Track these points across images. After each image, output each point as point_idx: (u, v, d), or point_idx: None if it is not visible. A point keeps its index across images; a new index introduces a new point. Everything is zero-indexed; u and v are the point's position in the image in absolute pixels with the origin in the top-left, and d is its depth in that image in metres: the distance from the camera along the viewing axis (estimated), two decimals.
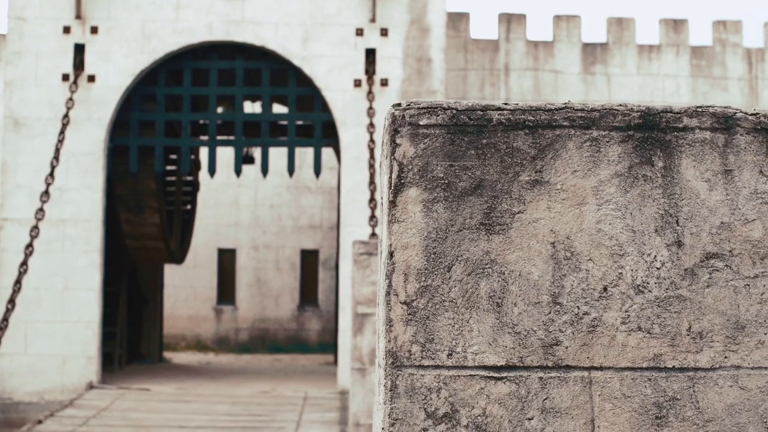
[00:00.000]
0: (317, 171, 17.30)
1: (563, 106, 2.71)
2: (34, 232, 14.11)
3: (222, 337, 27.72)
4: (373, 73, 16.43)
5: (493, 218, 2.67)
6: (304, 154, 25.84)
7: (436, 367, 2.66)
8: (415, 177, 2.68)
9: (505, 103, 2.72)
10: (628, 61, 19.64)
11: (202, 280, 27.78)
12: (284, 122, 17.98)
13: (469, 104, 2.70)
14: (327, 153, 21.93)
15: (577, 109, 2.71)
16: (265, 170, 17.39)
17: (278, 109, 20.90)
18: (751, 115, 2.73)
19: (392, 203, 2.69)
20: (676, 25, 19.89)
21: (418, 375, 2.66)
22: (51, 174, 14.73)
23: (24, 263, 13.75)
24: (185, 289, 27.70)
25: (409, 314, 2.67)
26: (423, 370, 2.66)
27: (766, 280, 2.69)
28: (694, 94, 19.38)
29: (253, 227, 27.76)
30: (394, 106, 2.73)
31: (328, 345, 25.52)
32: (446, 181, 2.68)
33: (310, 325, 27.52)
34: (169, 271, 26.38)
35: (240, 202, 27.67)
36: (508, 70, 19.37)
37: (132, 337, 21.27)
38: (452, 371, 2.66)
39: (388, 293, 2.68)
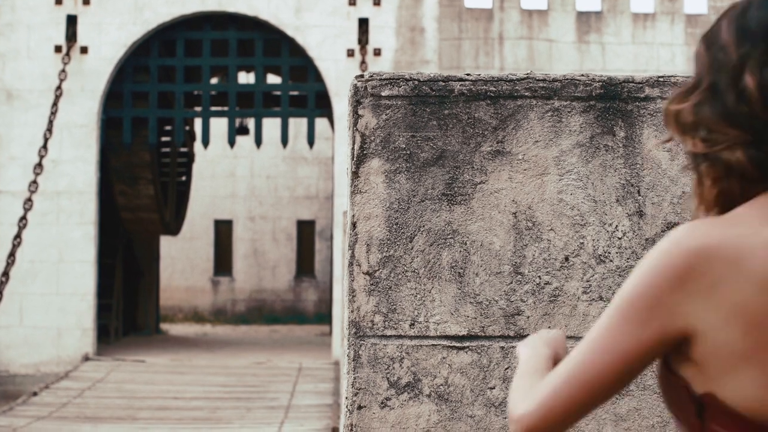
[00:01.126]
0: (311, 141, 17.29)
1: (525, 76, 2.72)
2: (28, 204, 14.13)
3: (219, 308, 27.79)
4: (366, 42, 16.39)
5: (455, 189, 2.68)
6: (300, 125, 25.80)
7: (399, 336, 2.68)
8: (378, 148, 2.69)
9: (467, 74, 2.73)
10: (623, 30, 19.60)
11: (199, 251, 27.82)
12: (278, 93, 17.95)
13: (431, 75, 2.71)
14: (323, 123, 21.93)
15: (538, 80, 2.71)
16: (258, 141, 17.38)
17: (272, 79, 20.87)
18: None
19: (355, 174, 2.71)
20: None
21: (380, 345, 2.68)
22: (44, 146, 14.74)
23: (18, 236, 13.77)
24: (182, 261, 27.74)
25: (372, 285, 2.68)
26: (386, 340, 2.68)
27: None
28: (689, 63, 19.35)
29: (250, 198, 27.77)
30: (356, 77, 2.73)
31: (325, 316, 25.59)
32: (408, 152, 2.69)
33: (306, 295, 27.59)
34: (166, 242, 26.41)
35: (236, 173, 27.67)
36: (503, 39, 19.34)
37: (128, 308, 21.31)
38: (415, 341, 2.68)
39: (351, 264, 2.69)
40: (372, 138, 2.69)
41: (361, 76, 2.72)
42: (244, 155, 27.08)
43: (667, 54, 19.59)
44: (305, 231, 27.45)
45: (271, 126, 23.34)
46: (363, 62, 16.07)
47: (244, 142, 24.68)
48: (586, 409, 1.60)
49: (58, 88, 15.67)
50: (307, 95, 17.16)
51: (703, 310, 1.49)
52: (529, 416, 1.59)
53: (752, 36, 1.57)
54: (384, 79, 2.70)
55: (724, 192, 1.57)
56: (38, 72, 16.25)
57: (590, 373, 1.56)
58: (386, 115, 2.69)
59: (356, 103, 2.70)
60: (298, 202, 27.57)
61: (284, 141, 17.30)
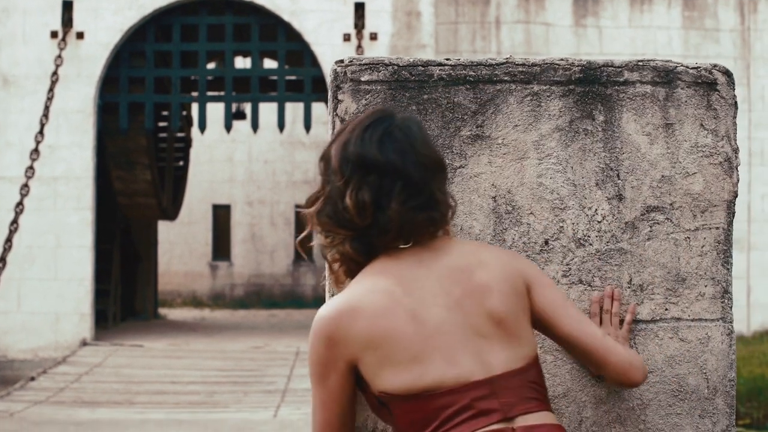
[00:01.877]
0: (307, 126, 17.30)
1: (504, 60, 2.73)
2: (24, 190, 14.13)
3: (218, 293, 27.83)
4: (363, 27, 16.37)
5: None
6: (297, 109, 25.74)
7: None
8: None
9: (447, 59, 2.74)
10: (619, 14, 19.56)
11: (197, 236, 27.84)
12: (274, 78, 17.95)
13: (411, 60, 2.72)
14: (320, 108, 21.90)
15: (518, 64, 2.72)
16: (255, 126, 17.38)
17: (269, 64, 20.85)
18: (692, 68, 2.75)
19: None
20: None
21: None
22: (41, 132, 14.73)
23: (14, 221, 13.78)
24: (180, 246, 27.76)
25: None
26: None
27: (707, 232, 2.72)
28: (686, 47, 19.32)
29: (248, 183, 27.78)
30: (336, 62, 2.74)
31: (324, 300, 25.59)
32: None
33: (305, 280, 27.62)
34: (164, 227, 26.42)
35: (234, 157, 27.67)
36: (499, 23, 19.30)
37: (126, 293, 21.33)
38: None
39: None
40: None
41: (341, 61, 2.73)
42: (242, 140, 27.06)
43: (664, 37, 19.56)
44: (303, 216, 27.43)
45: (269, 111, 23.30)
46: (359, 47, 16.06)
47: (242, 126, 24.65)
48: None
49: (55, 73, 15.66)
50: (303, 80, 17.15)
51: (353, 349, 2.28)
52: None
53: (350, 165, 2.31)
54: (363, 65, 2.71)
55: (347, 271, 2.40)
56: (34, 57, 16.24)
57: (323, 424, 2.35)
58: (366, 100, 2.70)
59: (336, 88, 2.71)
60: (296, 187, 27.57)
61: (281, 126, 17.31)
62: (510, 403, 2.25)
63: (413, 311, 2.28)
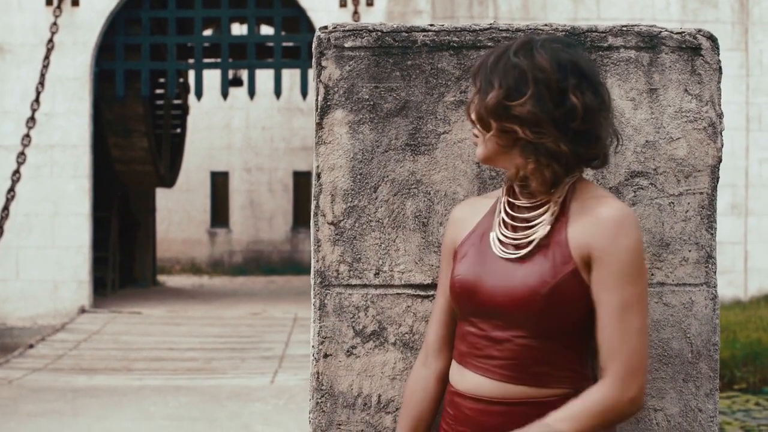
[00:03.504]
0: (304, 92, 17.25)
1: (488, 26, 2.73)
2: (21, 158, 14.10)
3: (216, 260, 27.87)
4: None
5: (419, 139, 2.70)
6: (295, 76, 25.69)
7: (364, 286, 2.71)
8: (341, 99, 2.71)
9: (431, 25, 2.74)
10: None
11: (196, 203, 27.84)
12: (271, 44, 17.89)
13: (394, 26, 2.72)
14: None
15: (501, 30, 2.72)
16: (252, 93, 17.34)
17: (265, 30, 20.78)
18: (676, 33, 2.74)
19: (319, 125, 2.72)
20: None
21: (346, 294, 2.71)
22: (37, 100, 14.68)
23: (11, 189, 13.77)
24: (179, 213, 27.77)
25: (337, 234, 2.71)
26: (351, 289, 2.71)
27: (691, 197, 2.73)
28: (684, 11, 19.25)
29: (246, 150, 27.75)
30: (320, 29, 2.74)
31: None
32: (372, 103, 2.70)
33: (303, 246, 27.65)
34: (162, 194, 26.42)
35: (232, 124, 27.63)
36: None
37: (125, 261, 21.36)
38: (379, 290, 2.71)
39: (315, 214, 2.72)
40: (335, 89, 2.71)
41: (325, 27, 2.73)
42: (239, 107, 27.01)
43: (662, 2, 19.48)
44: (301, 182, 27.44)
45: (266, 77, 23.24)
46: (356, 12, 16.00)
47: (240, 93, 24.61)
48: None
49: (50, 41, 15.60)
50: (300, 46, 17.09)
51: None
52: (641, 388, 2.31)
53: (565, 68, 2.29)
54: (347, 31, 2.71)
55: (553, 174, 2.32)
56: (29, 25, 16.17)
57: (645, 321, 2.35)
58: (349, 66, 2.70)
59: (320, 54, 2.71)
60: (294, 153, 27.55)
61: (277, 92, 17.27)
62: None
63: None
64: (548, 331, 2.31)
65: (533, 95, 2.27)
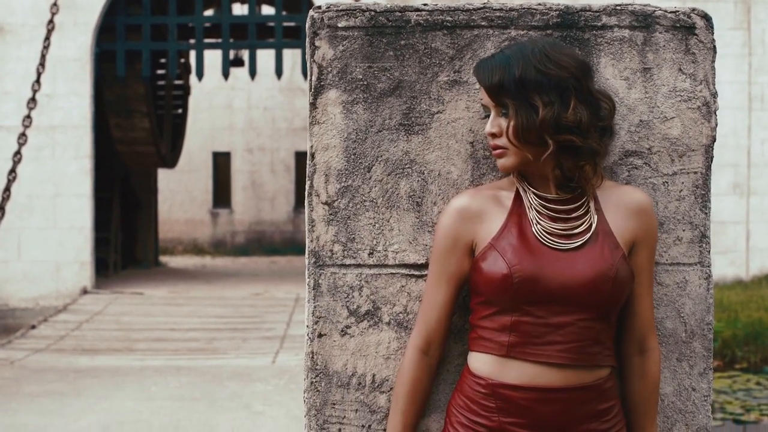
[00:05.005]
0: (305, 72, 17.21)
1: (481, 6, 2.72)
2: (22, 139, 14.08)
3: (219, 240, 27.89)
4: None
5: (412, 119, 2.70)
6: (297, 56, 25.66)
7: (358, 265, 2.71)
8: (335, 79, 2.70)
9: (425, 4, 2.73)
10: None
11: (198, 183, 27.85)
12: (272, 24, 17.86)
13: (388, 6, 2.71)
14: None
15: (495, 9, 2.71)
16: (253, 73, 17.32)
17: (266, 10, 20.73)
18: (671, 12, 2.74)
19: (313, 105, 2.72)
20: None
21: (340, 274, 2.71)
22: (37, 80, 14.64)
23: (12, 170, 13.76)
24: (181, 194, 27.78)
25: (331, 214, 2.71)
26: (345, 269, 2.71)
27: (685, 177, 2.73)
28: None
29: (248, 130, 27.74)
30: (314, 9, 2.74)
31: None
32: (365, 83, 2.70)
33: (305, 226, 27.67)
34: (165, 175, 26.43)
35: (233, 105, 27.61)
36: None
37: (127, 242, 21.39)
38: (373, 270, 2.71)
39: (310, 194, 2.72)
40: (329, 69, 2.70)
41: (318, 7, 2.72)
42: (241, 87, 26.99)
43: None
44: (303, 162, 27.41)
45: (267, 58, 23.19)
46: None
47: (241, 74, 24.57)
48: None
49: (51, 21, 15.53)
50: (301, 26, 17.06)
51: None
52: None
53: (585, 69, 2.47)
54: (340, 10, 2.70)
55: (597, 169, 2.49)
56: (30, 6, 16.15)
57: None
58: (343, 46, 2.70)
59: (313, 34, 2.71)
60: (296, 134, 27.54)
61: (278, 72, 17.25)
62: None
63: None
64: (609, 312, 2.49)
65: (577, 103, 2.42)
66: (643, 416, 2.62)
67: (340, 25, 2.70)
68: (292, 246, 27.19)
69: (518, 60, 2.42)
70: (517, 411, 2.46)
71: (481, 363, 2.51)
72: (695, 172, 2.73)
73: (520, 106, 2.40)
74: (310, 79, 2.72)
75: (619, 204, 2.53)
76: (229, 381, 10.06)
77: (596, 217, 2.49)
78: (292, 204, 27.72)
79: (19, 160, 13.89)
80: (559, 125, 2.40)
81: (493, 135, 2.47)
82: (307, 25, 2.72)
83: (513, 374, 2.46)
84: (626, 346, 2.61)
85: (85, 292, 15.98)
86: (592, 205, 2.50)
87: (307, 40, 2.72)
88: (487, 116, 2.52)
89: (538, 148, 2.42)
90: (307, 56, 2.74)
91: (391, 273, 2.70)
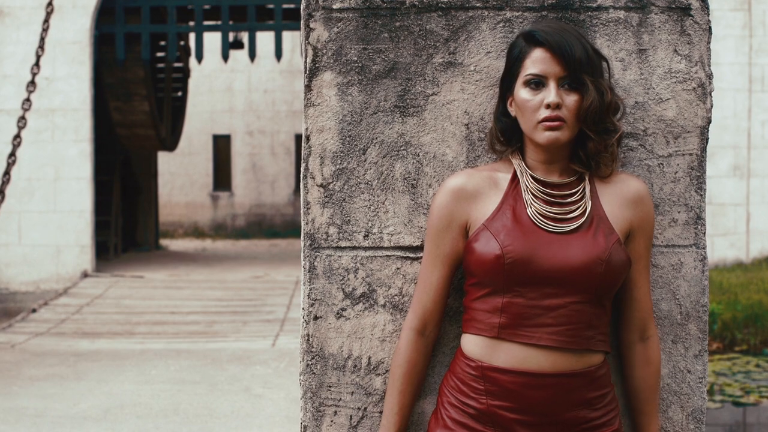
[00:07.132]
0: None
1: None
2: (22, 122, 14.07)
3: (219, 223, 27.90)
4: None
5: (407, 100, 2.70)
6: (296, 38, 25.62)
7: (353, 248, 2.71)
8: (330, 61, 2.70)
9: None
10: None
11: (198, 166, 27.84)
12: (271, 6, 17.81)
13: None
14: None
15: None
16: (252, 55, 17.29)
17: None
18: None
19: (308, 87, 2.72)
20: None
21: (335, 256, 2.71)
22: (37, 63, 14.62)
23: (12, 154, 13.75)
24: (181, 177, 27.78)
25: (326, 197, 2.71)
26: (340, 251, 2.71)
27: (680, 159, 2.72)
28: None
29: (248, 113, 27.71)
30: None
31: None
32: (360, 65, 2.69)
33: None
34: (165, 158, 26.42)
35: (233, 87, 27.57)
36: None
37: (127, 225, 21.39)
38: (369, 252, 2.71)
39: (305, 176, 2.72)
40: (324, 51, 2.70)
41: None
42: (241, 70, 26.95)
43: None
44: None
45: (267, 40, 23.13)
46: None
47: (241, 56, 24.54)
48: None
49: (50, 4, 15.47)
50: (300, 8, 17.00)
51: None
52: None
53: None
54: None
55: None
56: None
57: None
58: (338, 27, 2.69)
59: (308, 16, 2.70)
60: (296, 116, 27.51)
61: (278, 55, 17.22)
62: None
63: None
64: (602, 295, 2.48)
65: (611, 84, 2.57)
66: (647, 402, 2.64)
67: (334, 6, 2.69)
68: (293, 229, 27.20)
69: (583, 39, 2.48)
70: (505, 395, 2.45)
71: (472, 345, 2.51)
72: (690, 154, 2.73)
73: (596, 85, 2.46)
74: (305, 62, 2.71)
75: (615, 192, 2.54)
76: (229, 364, 10.07)
77: (591, 202, 2.50)
78: (293, 187, 27.72)
79: (19, 143, 13.88)
80: (612, 105, 2.49)
81: (557, 105, 2.44)
82: (302, 7, 2.72)
83: (503, 357, 2.46)
84: (628, 334, 2.62)
85: (85, 275, 15.99)
86: (588, 190, 2.51)
87: (302, 22, 2.72)
88: (499, 97, 2.58)
89: (586, 127, 2.47)
90: (302, 38, 2.73)
91: (387, 255, 2.71)
